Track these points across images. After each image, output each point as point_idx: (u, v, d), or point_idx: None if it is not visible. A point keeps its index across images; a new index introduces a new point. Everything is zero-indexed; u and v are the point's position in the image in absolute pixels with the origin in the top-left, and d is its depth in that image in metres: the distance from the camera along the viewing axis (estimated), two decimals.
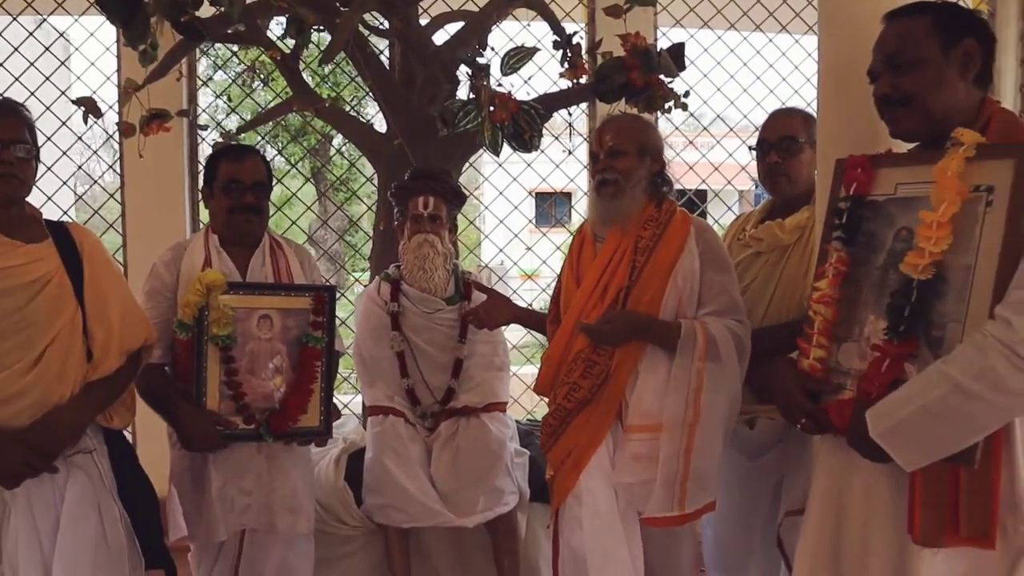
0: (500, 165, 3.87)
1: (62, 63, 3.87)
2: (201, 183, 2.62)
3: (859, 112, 1.84)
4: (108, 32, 3.88)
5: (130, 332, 2.13)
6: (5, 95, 3.66)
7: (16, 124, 2.01)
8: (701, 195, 4.70)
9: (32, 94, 3.79)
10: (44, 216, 2.15)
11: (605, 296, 2.25)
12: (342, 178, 7.77)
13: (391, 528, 2.75)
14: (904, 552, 1.56)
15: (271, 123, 5.76)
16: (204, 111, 4.12)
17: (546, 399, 2.39)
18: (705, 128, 4.27)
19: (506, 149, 3.04)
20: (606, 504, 2.20)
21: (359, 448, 2.94)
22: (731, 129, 4.20)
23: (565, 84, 3.20)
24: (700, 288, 2.24)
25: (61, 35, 3.89)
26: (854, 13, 1.93)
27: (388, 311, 2.86)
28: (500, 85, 2.88)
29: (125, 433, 2.96)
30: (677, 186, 4.02)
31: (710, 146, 4.14)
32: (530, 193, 4.00)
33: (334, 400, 2.63)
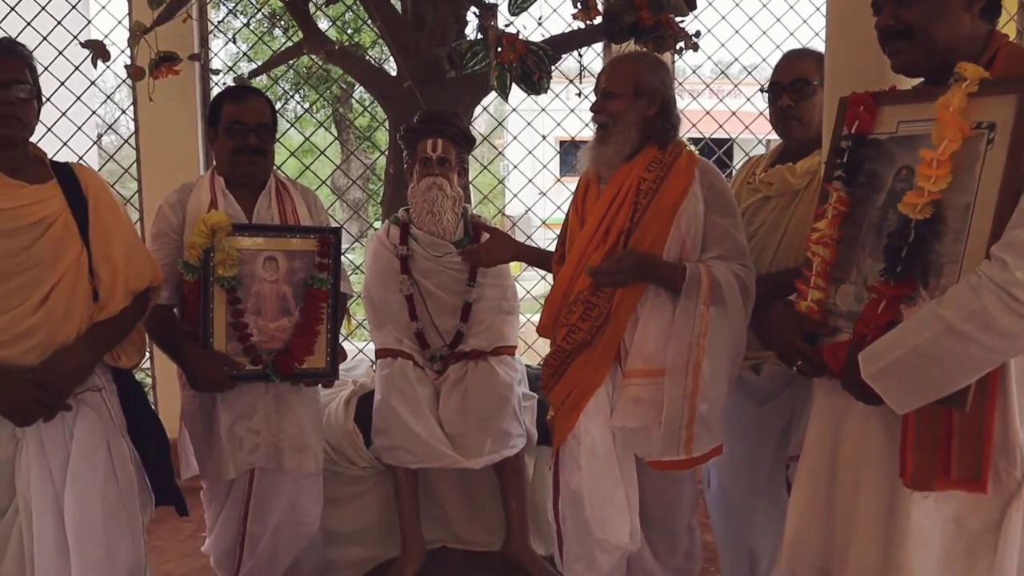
0: (514, 109, 3.82)
1: (73, 7, 3.85)
2: (206, 126, 2.62)
3: (867, 48, 1.78)
4: None
5: (135, 273, 2.14)
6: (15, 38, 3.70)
7: (16, 64, 1.99)
8: (721, 143, 4.61)
9: (44, 39, 3.79)
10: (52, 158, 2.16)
11: (607, 238, 2.23)
12: (360, 124, 7.73)
13: (399, 469, 2.79)
14: (895, 495, 1.55)
15: (292, 71, 5.74)
16: (216, 55, 4.10)
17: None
18: (723, 72, 4.17)
19: (525, 95, 3.00)
20: (604, 445, 2.22)
21: (369, 390, 2.98)
22: (749, 72, 4.09)
23: (579, 26, 3.13)
24: (704, 231, 2.21)
25: None
26: None
27: (397, 254, 2.87)
28: (509, 26, 2.83)
29: (143, 376, 3.01)
30: (695, 133, 3.97)
31: (727, 92, 4.04)
32: (545, 138, 3.93)
33: (342, 343, 2.64)
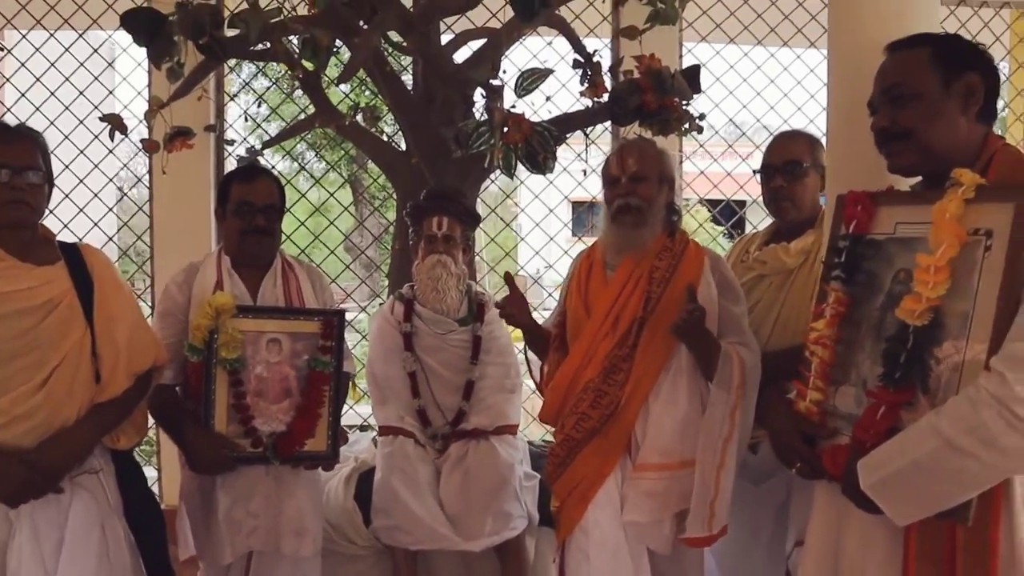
0: (522, 182, 3.86)
1: (95, 78, 3.94)
2: (215, 204, 2.64)
3: (869, 143, 1.79)
4: (141, 48, 3.95)
5: (138, 354, 2.15)
6: (41, 109, 3.79)
7: (30, 150, 2.04)
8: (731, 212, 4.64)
9: (67, 108, 3.89)
10: (61, 236, 2.19)
11: (617, 327, 2.22)
12: (376, 187, 7.79)
13: (399, 549, 2.75)
14: None
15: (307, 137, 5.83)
16: (231, 126, 4.17)
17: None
18: (731, 146, 4.22)
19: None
20: (614, 537, 2.18)
21: (370, 468, 2.95)
22: (757, 147, 4.14)
23: (588, 102, 3.17)
24: (719, 319, 2.21)
25: (96, 51, 3.97)
26: (862, 41, 1.88)
27: (401, 331, 2.86)
28: (515, 107, 2.87)
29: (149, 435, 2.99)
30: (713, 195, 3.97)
31: (738, 162, 4.08)
32: (552, 211, 3.96)
33: (349, 410, 2.62)
